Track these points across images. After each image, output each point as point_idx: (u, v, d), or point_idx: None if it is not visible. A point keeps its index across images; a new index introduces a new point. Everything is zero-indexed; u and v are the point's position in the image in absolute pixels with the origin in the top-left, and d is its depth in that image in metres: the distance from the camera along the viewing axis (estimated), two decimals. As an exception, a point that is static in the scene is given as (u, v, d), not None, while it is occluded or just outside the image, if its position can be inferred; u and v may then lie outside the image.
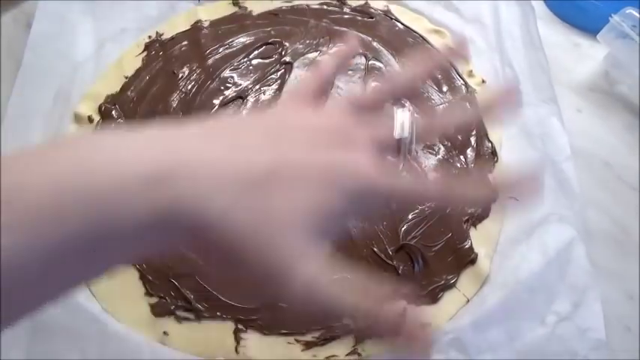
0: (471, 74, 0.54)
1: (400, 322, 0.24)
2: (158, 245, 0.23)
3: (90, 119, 0.48)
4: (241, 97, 0.50)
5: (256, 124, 0.26)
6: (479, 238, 0.44)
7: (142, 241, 0.21)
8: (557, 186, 0.46)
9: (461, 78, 0.54)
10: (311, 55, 0.54)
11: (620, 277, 0.44)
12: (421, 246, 0.43)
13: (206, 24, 0.56)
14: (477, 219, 0.45)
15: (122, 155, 0.21)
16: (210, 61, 0.53)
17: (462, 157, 0.48)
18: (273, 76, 0.52)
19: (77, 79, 0.50)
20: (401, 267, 0.42)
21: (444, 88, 0.53)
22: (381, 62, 0.54)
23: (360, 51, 0.54)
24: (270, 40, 0.55)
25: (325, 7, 0.59)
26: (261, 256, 0.22)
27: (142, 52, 0.54)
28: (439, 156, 0.48)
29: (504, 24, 0.57)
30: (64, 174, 0.19)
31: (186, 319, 0.39)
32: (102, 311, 0.39)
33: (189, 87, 0.51)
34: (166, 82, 0.51)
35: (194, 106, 0.49)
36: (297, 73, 0.52)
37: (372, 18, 0.59)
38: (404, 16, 0.59)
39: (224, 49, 0.54)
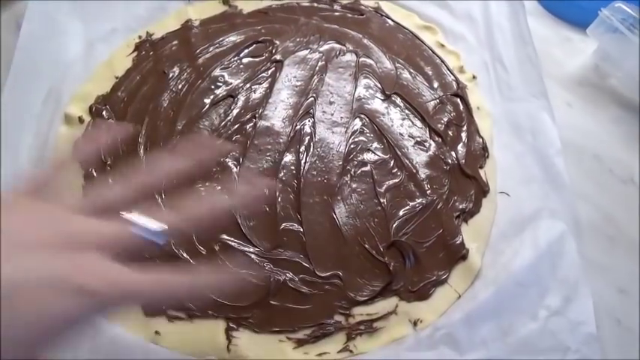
0: (461, 70, 0.55)
1: None
2: None
3: (80, 120, 0.48)
4: (232, 95, 0.50)
5: None
6: (470, 234, 0.44)
7: None
8: (547, 180, 0.46)
9: (452, 74, 0.54)
10: (301, 53, 0.54)
11: (610, 271, 0.44)
12: (412, 242, 0.43)
13: (196, 23, 0.56)
14: (468, 214, 0.45)
15: None
16: (200, 60, 0.53)
17: (452, 152, 0.48)
18: (263, 74, 0.52)
19: (67, 80, 0.50)
20: (392, 263, 0.42)
21: (435, 85, 0.53)
22: (372, 59, 0.54)
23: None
24: (260, 39, 0.55)
25: (315, 4, 0.59)
26: None
27: (133, 52, 0.54)
28: (430, 152, 0.48)
29: (495, 20, 0.57)
30: None
31: (178, 318, 0.39)
32: (93, 312, 0.39)
33: (180, 86, 0.51)
34: (157, 82, 0.51)
35: (185, 105, 0.49)
36: (288, 71, 0.52)
37: (363, 15, 0.59)
38: (394, 13, 0.59)
39: (214, 48, 0.54)
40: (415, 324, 0.40)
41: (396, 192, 0.45)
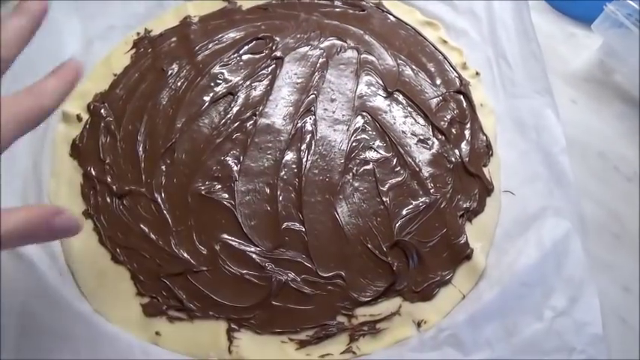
0: (464, 66, 0.54)
1: None
2: None
3: (79, 118, 0.48)
4: (232, 93, 0.49)
5: None
6: (474, 233, 0.43)
7: None
8: (552, 178, 0.46)
9: (454, 70, 0.53)
10: (302, 50, 0.53)
11: (615, 269, 0.43)
12: (416, 242, 0.42)
13: (195, 19, 0.55)
14: (472, 213, 0.44)
15: None
16: (199, 57, 0.52)
17: (456, 150, 0.47)
18: (263, 71, 0.51)
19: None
20: (395, 263, 0.41)
21: (438, 81, 0.52)
22: (374, 56, 0.53)
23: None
24: (260, 35, 0.54)
25: (316, 0, 0.58)
26: None
27: (131, 49, 0.53)
28: (433, 150, 0.47)
29: (498, 15, 0.57)
30: None
31: (179, 318, 0.39)
32: (93, 312, 0.38)
33: (179, 84, 0.50)
34: (156, 79, 0.50)
35: (184, 103, 0.49)
36: (289, 68, 0.52)
37: (364, 11, 0.58)
38: (396, 9, 0.58)
39: (214, 45, 0.53)
40: (419, 325, 0.39)
41: (398, 191, 0.45)
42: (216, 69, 0.51)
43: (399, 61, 0.53)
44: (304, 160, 0.45)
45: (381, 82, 0.51)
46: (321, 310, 0.39)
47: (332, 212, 0.43)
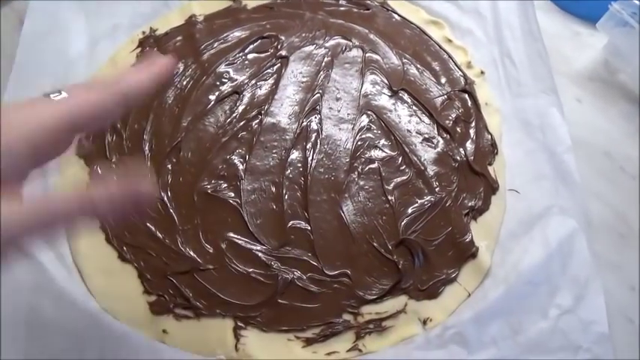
0: (469, 65, 0.54)
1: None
2: None
3: (84, 117, 0.48)
4: (237, 92, 0.49)
5: None
6: (480, 232, 0.44)
7: None
8: (557, 177, 0.46)
9: (459, 69, 0.53)
10: (307, 49, 0.53)
11: (621, 268, 0.43)
12: (421, 240, 0.42)
13: (200, 18, 0.55)
14: (477, 212, 0.45)
15: None
16: (205, 56, 0.52)
17: (461, 149, 0.48)
18: (269, 70, 0.52)
19: (70, 77, 0.50)
20: (401, 262, 0.41)
21: (443, 80, 0.52)
22: (379, 55, 0.53)
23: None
24: (265, 34, 0.54)
25: (321, -1, 0.58)
26: None
27: (136, 48, 0.53)
28: (438, 149, 0.47)
29: (503, 14, 0.57)
30: None
31: (185, 317, 0.39)
32: (100, 310, 0.39)
33: (185, 83, 0.50)
34: (161, 78, 0.50)
35: (190, 102, 0.49)
36: (294, 67, 0.52)
37: (369, 10, 0.58)
38: (401, 8, 0.58)
39: (219, 44, 0.53)
40: (425, 323, 0.39)
41: (404, 189, 0.45)
42: (222, 68, 0.51)
43: (404, 60, 0.53)
44: (310, 158, 0.46)
45: (386, 80, 0.51)
46: (327, 308, 0.39)
47: (337, 211, 0.43)
